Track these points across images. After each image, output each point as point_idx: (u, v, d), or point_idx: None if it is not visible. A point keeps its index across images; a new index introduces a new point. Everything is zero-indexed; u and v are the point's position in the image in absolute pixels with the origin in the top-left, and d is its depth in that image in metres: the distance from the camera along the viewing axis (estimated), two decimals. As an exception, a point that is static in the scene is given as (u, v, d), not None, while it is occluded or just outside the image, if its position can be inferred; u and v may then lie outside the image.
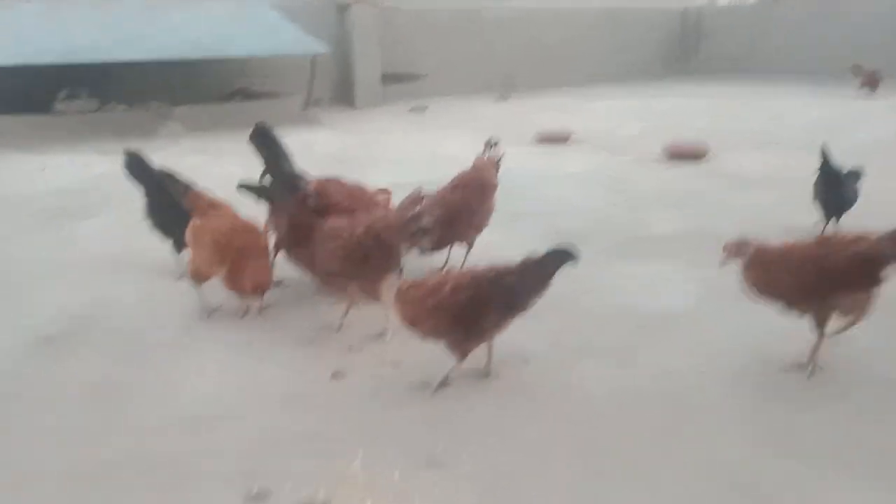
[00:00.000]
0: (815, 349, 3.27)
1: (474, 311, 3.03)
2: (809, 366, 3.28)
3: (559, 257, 3.10)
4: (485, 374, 3.28)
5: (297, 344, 3.70)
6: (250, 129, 4.63)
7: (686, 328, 3.85)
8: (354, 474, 2.60)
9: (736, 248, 3.27)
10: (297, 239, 3.81)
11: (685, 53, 19.09)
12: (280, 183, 4.22)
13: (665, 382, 3.27)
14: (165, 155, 7.98)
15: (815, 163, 5.23)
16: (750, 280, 3.26)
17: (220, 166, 7.63)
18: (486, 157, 4.76)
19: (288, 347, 3.66)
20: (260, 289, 3.90)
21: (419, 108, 13.23)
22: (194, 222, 4.01)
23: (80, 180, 7.52)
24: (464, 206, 4.42)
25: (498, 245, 4.73)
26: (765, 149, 8.69)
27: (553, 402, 3.13)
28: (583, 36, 17.12)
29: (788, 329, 3.45)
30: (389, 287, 3.18)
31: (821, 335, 3.24)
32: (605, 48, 17.53)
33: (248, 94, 12.16)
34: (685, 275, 4.62)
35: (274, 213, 4.17)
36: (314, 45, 11.76)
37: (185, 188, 4.28)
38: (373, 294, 3.52)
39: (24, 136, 9.42)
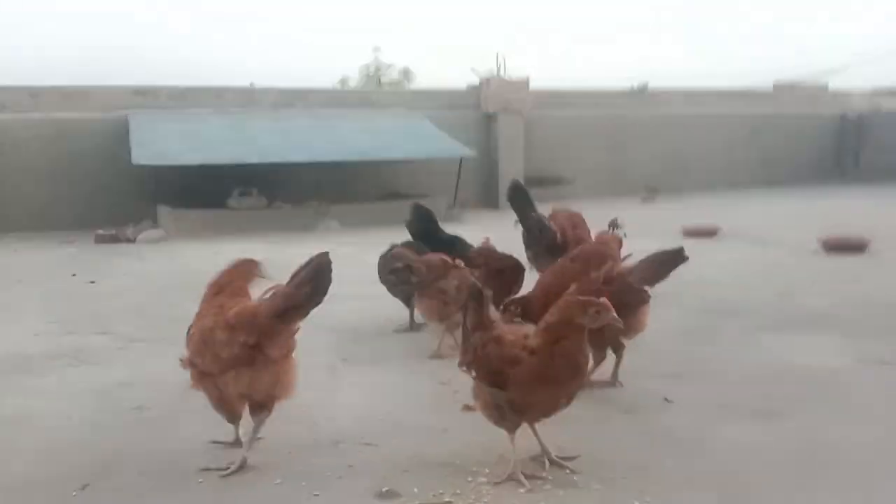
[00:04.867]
0: (616, 367, 3.73)
1: None
2: (615, 381, 3.71)
3: None
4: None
5: (435, 383, 3.90)
6: (405, 221, 5.82)
7: (836, 391, 3.65)
8: (479, 484, 2.61)
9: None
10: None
11: (843, 162, 18.13)
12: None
13: (811, 441, 3.08)
14: (321, 245, 8.60)
15: None
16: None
17: (367, 255, 8.11)
18: (610, 234, 4.75)
19: (426, 387, 3.86)
20: None
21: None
22: None
23: (245, 263, 8.25)
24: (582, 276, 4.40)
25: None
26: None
27: (693, 444, 3.04)
28: (729, 142, 16.77)
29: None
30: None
31: (618, 356, 3.71)
32: (752, 155, 16.99)
33: (398, 196, 12.93)
34: (838, 343, 4.36)
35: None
36: (461, 150, 12.54)
37: None
38: None
39: (204, 226, 10.53)
